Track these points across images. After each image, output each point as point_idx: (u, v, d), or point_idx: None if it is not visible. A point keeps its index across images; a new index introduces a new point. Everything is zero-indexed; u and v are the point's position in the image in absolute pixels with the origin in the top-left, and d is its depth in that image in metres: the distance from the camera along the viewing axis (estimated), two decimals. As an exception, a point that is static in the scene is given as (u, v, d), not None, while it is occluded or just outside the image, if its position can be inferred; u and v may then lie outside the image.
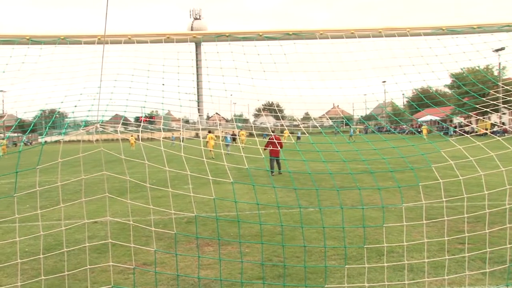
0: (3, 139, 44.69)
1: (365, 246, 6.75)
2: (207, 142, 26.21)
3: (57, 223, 9.61)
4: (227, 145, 28.70)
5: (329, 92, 5.53)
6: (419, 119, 40.65)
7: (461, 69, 5.54)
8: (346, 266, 5.68)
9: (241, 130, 27.71)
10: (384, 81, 5.93)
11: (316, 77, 5.46)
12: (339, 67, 5.42)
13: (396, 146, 5.27)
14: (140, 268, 6.46)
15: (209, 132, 28.12)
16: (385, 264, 5.85)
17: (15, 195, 4.64)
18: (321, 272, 6.12)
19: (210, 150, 25.13)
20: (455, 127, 42.39)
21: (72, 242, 7.91)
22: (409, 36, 5.29)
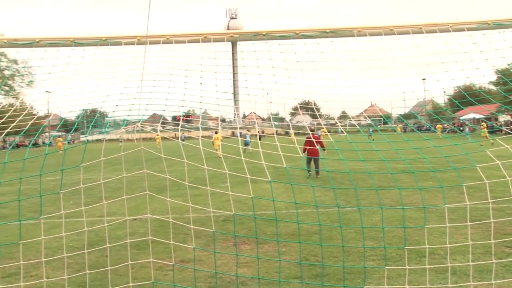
0: (60, 136, 46.61)
1: (406, 247, 6.59)
2: (213, 141, 27.00)
3: (99, 219, 9.89)
4: (246, 145, 29.05)
5: (367, 90, 5.45)
6: (462, 117, 39.45)
7: (508, 64, 5.32)
8: (386, 267, 5.58)
9: (216, 133, 28.00)
10: (424, 79, 5.78)
11: (354, 75, 5.39)
12: (378, 64, 5.32)
13: (439, 145, 5.12)
14: (179, 265, 6.55)
15: (216, 132, 28.53)
16: (427, 266, 5.70)
17: (61, 192, 4.79)
18: (359, 272, 6.04)
19: (216, 150, 25.81)
20: (501, 125, 40.74)
21: (113, 238, 8.11)
22: (451, 31, 5.12)
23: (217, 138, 26.98)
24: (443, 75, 5.35)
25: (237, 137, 29.59)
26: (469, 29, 5.11)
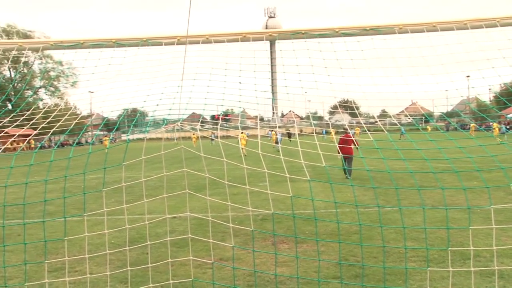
0: (106, 135, 48.18)
1: (449, 248, 6.40)
2: (239, 140, 27.46)
3: (139, 217, 10.10)
4: (277, 143, 29.27)
5: (408, 88, 5.31)
6: (509, 115, 37.94)
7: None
8: (429, 268, 5.43)
9: (242, 132, 28.26)
10: (468, 76, 5.59)
11: (395, 73, 5.27)
12: (420, 62, 5.18)
13: (484, 144, 4.93)
14: (219, 263, 6.60)
15: (242, 132, 28.94)
16: (472, 269, 5.51)
17: (103, 189, 4.91)
18: (399, 273, 5.91)
19: (242, 148, 26.19)
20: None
21: (153, 236, 8.27)
22: (499, 26, 4.91)
23: (243, 137, 27.55)
24: (489, 71, 5.14)
25: (269, 136, 29.93)
26: (518, 23, 4.89)
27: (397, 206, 8.36)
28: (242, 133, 28.70)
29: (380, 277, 5.80)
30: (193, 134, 40.90)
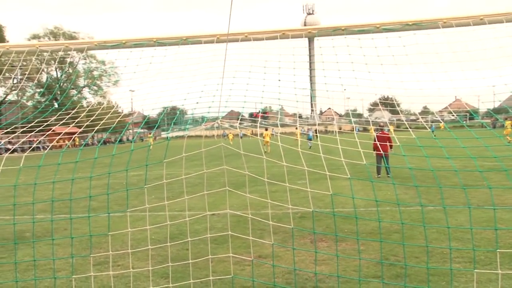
0: (150, 133, 49.61)
1: (498, 250, 6.15)
2: (263, 138, 28.09)
3: (179, 213, 10.25)
4: (309, 140, 29.10)
5: (453, 84, 5.15)
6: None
7: None
8: (475, 270, 5.25)
9: (266, 129, 28.29)
10: (517, 70, 5.34)
11: (439, 68, 5.12)
12: (465, 57, 5.00)
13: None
14: (258, 260, 6.61)
15: (266, 129, 29.05)
16: (522, 272, 5.29)
17: (145, 186, 5.01)
18: (443, 274, 5.75)
19: (265, 144, 28.22)
20: None
21: (192, 232, 8.37)
22: (553, 17, 4.67)
23: (267, 134, 27.80)
24: (542, 65, 4.92)
25: (304, 133, 29.95)
26: None
27: (441, 205, 8.12)
28: (266, 130, 28.94)
29: (422, 278, 5.66)
30: (229, 132, 41.81)
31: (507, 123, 33.27)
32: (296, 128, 24.09)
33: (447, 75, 5.09)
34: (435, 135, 5.75)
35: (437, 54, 5.11)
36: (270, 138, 27.93)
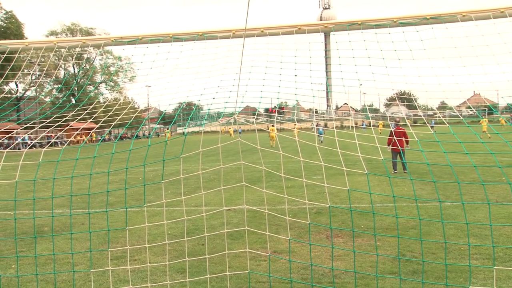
0: (167, 128, 50.07)
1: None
2: (269, 133, 29.82)
3: (194, 209, 10.30)
4: (320, 136, 29.39)
5: (471, 78, 5.06)
6: None
7: None
8: (495, 267, 5.17)
9: (272, 125, 28.55)
10: (539, 64, 5.22)
11: (457, 63, 5.03)
12: (485, 51, 4.91)
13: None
14: (274, 256, 6.62)
15: (273, 125, 29.50)
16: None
17: (162, 181, 5.04)
18: (460, 271, 5.69)
19: (271, 139, 29.40)
20: None
21: (208, 228, 8.41)
22: None
23: (272, 129, 28.29)
24: None
25: (316, 128, 30.22)
26: None
27: (459, 201, 8.01)
28: (272, 125, 29.22)
29: (439, 274, 5.61)
30: (230, 128, 42.42)
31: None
32: (295, 125, 24.40)
33: (466, 69, 5.01)
34: (435, 131, 5.65)
35: (456, 48, 5.03)
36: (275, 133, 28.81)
